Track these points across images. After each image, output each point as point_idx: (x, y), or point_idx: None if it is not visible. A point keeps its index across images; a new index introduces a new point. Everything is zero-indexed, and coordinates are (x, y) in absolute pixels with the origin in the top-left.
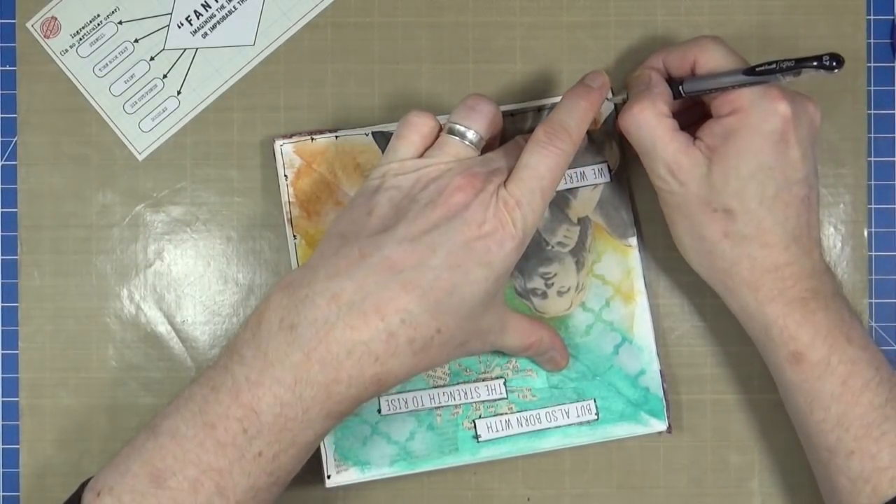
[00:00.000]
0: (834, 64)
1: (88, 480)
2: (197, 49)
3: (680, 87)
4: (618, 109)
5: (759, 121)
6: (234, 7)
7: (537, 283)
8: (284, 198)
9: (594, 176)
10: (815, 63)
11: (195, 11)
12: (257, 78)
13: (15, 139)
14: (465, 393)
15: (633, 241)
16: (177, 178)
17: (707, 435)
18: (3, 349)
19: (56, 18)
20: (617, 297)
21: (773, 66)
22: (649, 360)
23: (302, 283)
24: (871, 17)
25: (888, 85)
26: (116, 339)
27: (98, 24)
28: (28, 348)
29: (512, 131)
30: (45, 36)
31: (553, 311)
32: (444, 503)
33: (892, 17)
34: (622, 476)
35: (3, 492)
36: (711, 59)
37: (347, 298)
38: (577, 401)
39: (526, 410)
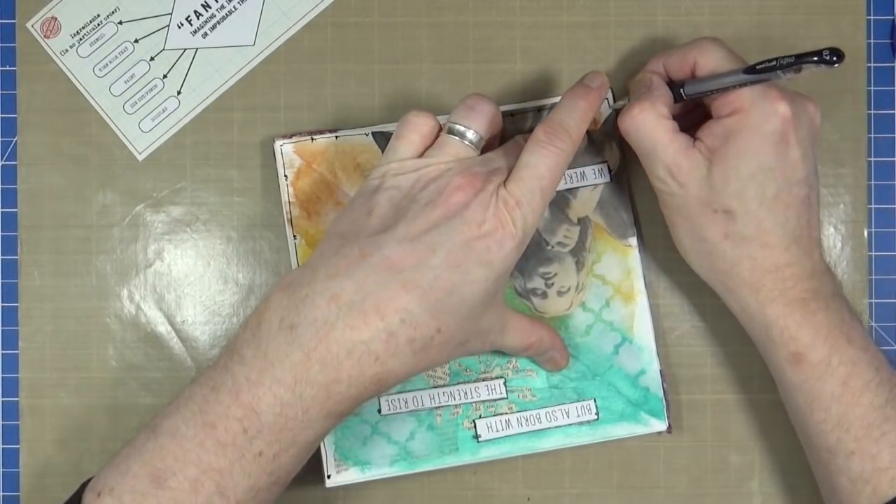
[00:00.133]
0: (834, 58)
1: (89, 481)
2: (197, 49)
3: (681, 90)
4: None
5: (759, 121)
6: (234, 7)
7: (537, 283)
8: (284, 198)
9: (594, 176)
10: (815, 58)
11: (195, 11)
12: (257, 78)
13: (15, 139)
14: (465, 393)
15: (633, 241)
16: (177, 178)
17: (707, 435)
18: (3, 349)
19: (56, 18)
20: (617, 297)
21: (774, 63)
22: (649, 360)
23: (302, 283)
24: (871, 17)
25: (888, 85)
26: (116, 339)
27: (98, 24)
28: (28, 348)
29: (512, 131)
30: (45, 36)
31: (553, 311)
32: (444, 503)
33: (892, 17)
34: (622, 476)
35: (3, 492)
36: (711, 61)
37: (347, 298)
38: (577, 401)
39: (526, 410)
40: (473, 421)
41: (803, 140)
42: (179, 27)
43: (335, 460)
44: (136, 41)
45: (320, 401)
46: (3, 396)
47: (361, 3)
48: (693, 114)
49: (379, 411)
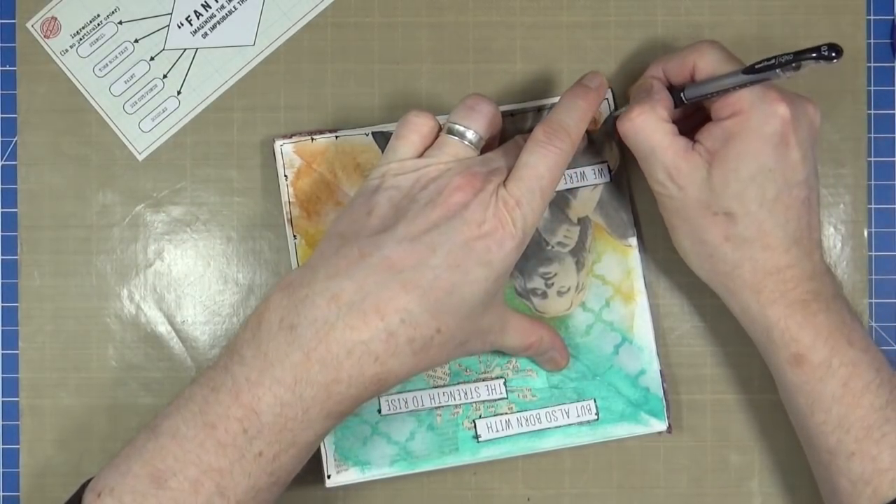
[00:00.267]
0: (833, 54)
1: (89, 481)
2: (197, 49)
3: (682, 95)
4: None
5: (759, 123)
6: (234, 7)
7: (537, 283)
8: (284, 198)
9: (594, 176)
10: (813, 54)
11: (195, 11)
12: (257, 78)
13: (15, 139)
14: (465, 393)
15: (633, 241)
16: (177, 178)
17: (707, 435)
18: (3, 349)
19: (56, 18)
20: (617, 297)
21: (773, 61)
22: (649, 360)
23: (302, 283)
24: (871, 17)
25: (888, 85)
26: (116, 339)
27: (98, 24)
28: (28, 348)
29: (512, 131)
30: (45, 36)
31: (553, 311)
32: (444, 503)
33: (892, 17)
34: (622, 476)
35: (3, 492)
36: (710, 63)
37: (347, 298)
38: (577, 401)
39: (526, 410)
40: (473, 421)
41: (803, 141)
42: (179, 27)
43: (335, 460)
44: (136, 41)
45: (320, 401)
46: (3, 396)
47: (361, 3)
48: (693, 118)
49: (379, 411)
